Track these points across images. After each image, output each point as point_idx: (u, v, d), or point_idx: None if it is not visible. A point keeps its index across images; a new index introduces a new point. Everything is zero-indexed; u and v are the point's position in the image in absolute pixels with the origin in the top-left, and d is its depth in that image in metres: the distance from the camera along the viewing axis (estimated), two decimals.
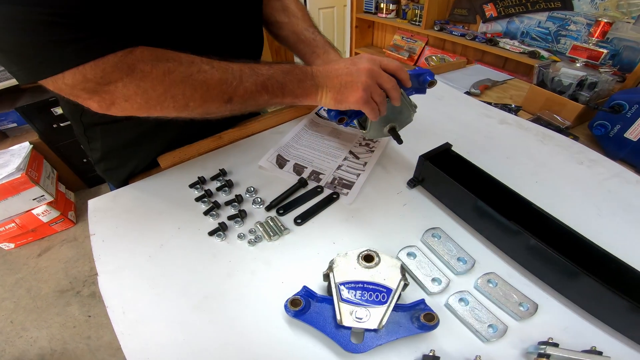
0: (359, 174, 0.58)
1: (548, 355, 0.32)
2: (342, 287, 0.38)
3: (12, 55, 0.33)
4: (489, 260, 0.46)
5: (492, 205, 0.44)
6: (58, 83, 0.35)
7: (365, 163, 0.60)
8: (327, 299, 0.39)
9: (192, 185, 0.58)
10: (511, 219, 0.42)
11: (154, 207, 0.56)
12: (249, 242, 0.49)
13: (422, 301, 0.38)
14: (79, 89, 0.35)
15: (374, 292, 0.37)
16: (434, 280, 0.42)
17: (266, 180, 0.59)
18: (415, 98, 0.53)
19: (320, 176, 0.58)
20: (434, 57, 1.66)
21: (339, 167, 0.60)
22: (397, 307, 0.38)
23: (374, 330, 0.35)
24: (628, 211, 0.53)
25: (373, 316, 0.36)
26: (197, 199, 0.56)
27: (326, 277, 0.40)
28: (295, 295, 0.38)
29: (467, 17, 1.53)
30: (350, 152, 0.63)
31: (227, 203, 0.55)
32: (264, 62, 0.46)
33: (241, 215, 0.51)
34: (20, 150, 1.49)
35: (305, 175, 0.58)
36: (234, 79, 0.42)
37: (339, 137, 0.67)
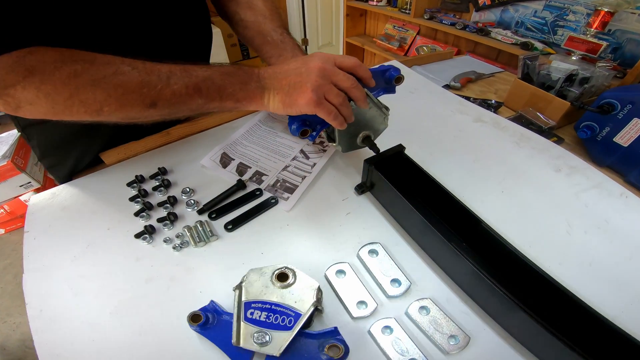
0: (305, 177, 0.53)
1: None
2: (250, 305, 0.35)
3: None
4: (429, 282, 0.41)
5: (437, 221, 0.39)
6: None
7: (315, 164, 0.55)
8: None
9: (129, 184, 0.55)
10: (460, 237, 0.37)
11: (89, 206, 0.53)
12: (174, 247, 0.45)
13: (334, 330, 0.34)
14: None
15: (280, 315, 0.34)
16: (360, 303, 0.38)
17: (207, 180, 0.55)
18: (384, 98, 0.48)
19: (263, 177, 0.54)
20: (424, 47, 1.56)
21: (285, 168, 0.55)
22: (306, 334, 0.34)
23: (275, 357, 0.32)
24: (603, 229, 0.47)
25: (275, 341, 0.32)
26: (132, 199, 0.53)
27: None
28: (201, 309, 0.36)
29: (460, 5, 1.42)
30: (302, 151, 0.58)
31: (160, 204, 0.51)
32: (204, 64, 0.42)
33: (170, 219, 0.48)
34: (8, 137, 1.50)
35: (247, 176, 0.54)
36: (159, 81, 0.38)
37: None
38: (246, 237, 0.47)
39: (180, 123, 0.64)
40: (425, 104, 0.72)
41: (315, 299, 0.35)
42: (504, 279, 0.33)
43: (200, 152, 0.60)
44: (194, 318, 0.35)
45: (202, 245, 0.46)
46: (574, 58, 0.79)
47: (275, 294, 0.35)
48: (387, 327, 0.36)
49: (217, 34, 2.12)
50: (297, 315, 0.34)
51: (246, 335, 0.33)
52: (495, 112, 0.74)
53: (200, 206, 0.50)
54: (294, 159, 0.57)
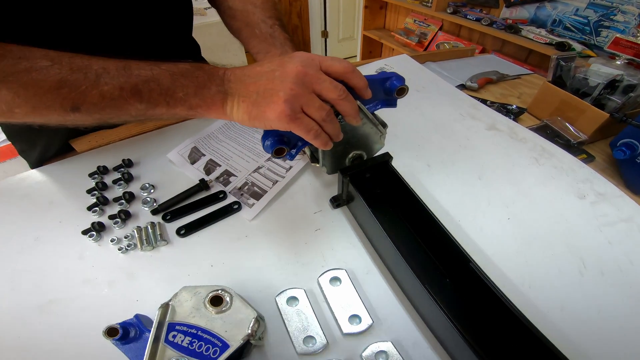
0: (277, 182, 0.47)
1: None
2: (174, 327, 0.30)
3: None
4: (398, 321, 0.34)
5: (415, 254, 0.32)
6: None
7: (290, 167, 0.49)
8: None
9: (91, 175, 0.51)
10: (444, 273, 0.30)
11: (48, 196, 0.50)
12: (120, 249, 0.41)
13: None
14: None
15: (206, 343, 0.29)
16: (307, 339, 0.32)
17: (171, 177, 0.50)
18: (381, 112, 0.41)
19: (231, 179, 0.48)
20: (446, 44, 1.43)
21: (257, 169, 0.49)
22: None
23: None
24: (625, 272, 0.38)
25: None
26: (89, 191, 0.48)
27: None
28: (121, 323, 0.31)
29: (489, 0, 1.28)
30: None
31: (116, 200, 0.47)
32: (155, 61, 0.33)
33: (120, 217, 0.43)
34: None
35: (215, 175, 0.49)
36: (84, 81, 0.31)
37: None
38: (198, 246, 0.41)
39: None
40: (431, 105, 0.63)
41: (249, 331, 0.29)
42: (486, 337, 0.26)
43: (172, 144, 0.55)
44: (109, 331, 0.30)
45: (148, 250, 0.41)
46: (618, 62, 0.66)
47: (205, 319, 0.30)
48: None
49: None
50: (225, 346, 0.28)
51: (164, 359, 0.28)
52: (514, 119, 0.63)
53: (156, 206, 0.45)
54: (268, 159, 0.51)
